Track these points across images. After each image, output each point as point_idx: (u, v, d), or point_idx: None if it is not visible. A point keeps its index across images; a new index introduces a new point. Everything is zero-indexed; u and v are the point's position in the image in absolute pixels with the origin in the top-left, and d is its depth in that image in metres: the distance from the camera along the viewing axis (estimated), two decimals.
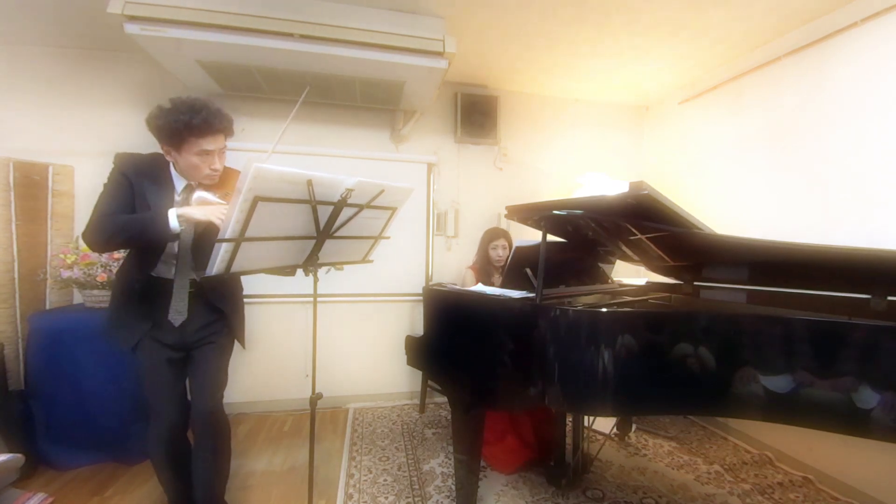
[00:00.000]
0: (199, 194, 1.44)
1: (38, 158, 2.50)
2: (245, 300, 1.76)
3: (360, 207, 1.44)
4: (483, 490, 2.05)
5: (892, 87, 1.96)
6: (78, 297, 2.50)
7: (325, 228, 1.41)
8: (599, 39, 2.56)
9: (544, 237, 1.61)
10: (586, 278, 2.20)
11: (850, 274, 1.50)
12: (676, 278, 2.27)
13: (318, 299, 1.55)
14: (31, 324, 2.18)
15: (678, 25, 2.38)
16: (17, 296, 2.34)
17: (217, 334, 1.61)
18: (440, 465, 2.32)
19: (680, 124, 3.29)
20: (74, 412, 2.12)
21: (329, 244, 1.47)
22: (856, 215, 2.09)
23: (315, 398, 1.51)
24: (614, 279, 2.42)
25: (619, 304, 1.75)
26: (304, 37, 2.14)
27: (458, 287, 2.28)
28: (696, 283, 2.20)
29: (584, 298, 1.87)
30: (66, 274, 2.24)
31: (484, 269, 2.71)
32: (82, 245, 2.33)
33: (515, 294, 1.67)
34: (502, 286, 1.92)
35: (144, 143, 1.60)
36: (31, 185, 2.43)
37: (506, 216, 2.10)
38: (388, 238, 1.69)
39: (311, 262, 1.48)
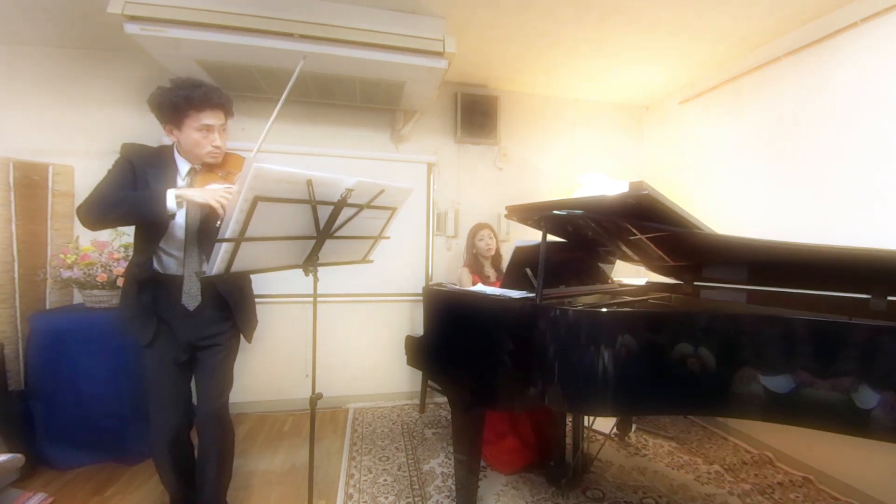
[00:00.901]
0: (209, 187, 1.44)
1: (38, 158, 2.51)
2: (253, 295, 1.76)
3: (360, 207, 1.44)
4: (483, 490, 2.05)
5: (892, 87, 1.96)
6: (78, 297, 2.50)
7: (325, 228, 1.40)
8: (599, 39, 2.57)
9: (544, 237, 1.61)
10: (586, 278, 2.20)
11: (850, 274, 1.50)
12: (676, 278, 2.27)
13: (318, 299, 1.55)
14: (31, 324, 2.18)
15: (678, 25, 2.38)
16: (17, 296, 2.34)
17: (224, 336, 1.61)
18: (440, 465, 2.32)
19: (680, 124, 3.29)
20: (74, 412, 2.12)
21: (329, 244, 1.47)
22: (856, 215, 2.09)
23: (315, 398, 1.51)
24: (614, 279, 2.42)
25: (619, 304, 1.75)
26: (304, 37, 2.14)
27: (457, 287, 2.29)
28: (696, 283, 2.20)
29: (584, 298, 1.87)
30: (66, 274, 2.24)
31: (475, 263, 2.78)
32: (82, 245, 2.33)
33: (515, 294, 1.67)
34: (502, 286, 1.92)
35: (145, 142, 1.60)
36: (31, 185, 2.43)
37: (506, 216, 2.10)
38: (388, 238, 1.69)
39: (311, 262, 1.48)
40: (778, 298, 1.84)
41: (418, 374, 2.94)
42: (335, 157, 3.04)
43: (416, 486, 2.12)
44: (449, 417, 2.48)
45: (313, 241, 1.43)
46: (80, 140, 2.71)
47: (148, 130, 2.57)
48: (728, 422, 2.77)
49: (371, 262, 1.74)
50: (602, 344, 1.38)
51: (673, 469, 2.33)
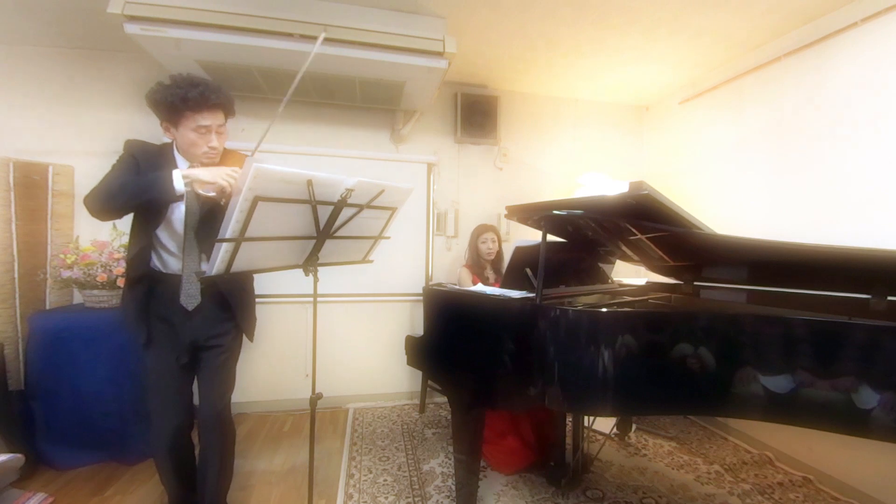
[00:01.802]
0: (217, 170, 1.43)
1: (38, 158, 2.50)
2: (254, 294, 1.76)
3: (360, 207, 1.44)
4: (483, 490, 2.05)
5: (892, 87, 1.96)
6: (78, 297, 2.50)
7: (325, 228, 1.40)
8: (599, 39, 2.57)
9: (544, 237, 1.61)
10: (586, 278, 2.19)
11: (850, 274, 1.50)
12: (676, 278, 2.27)
13: (318, 299, 1.55)
14: (31, 324, 2.18)
15: (678, 25, 2.38)
16: (17, 296, 2.34)
17: (226, 336, 1.60)
18: (440, 465, 2.32)
19: (680, 124, 3.29)
20: (74, 412, 2.12)
21: (329, 244, 1.47)
22: (855, 215, 2.09)
23: (315, 398, 1.51)
24: (614, 279, 2.42)
25: (619, 304, 1.75)
26: (304, 37, 2.14)
27: (458, 287, 2.29)
28: (696, 283, 2.20)
29: (583, 298, 1.87)
30: (66, 274, 2.24)
31: (476, 264, 2.78)
32: (82, 245, 2.34)
33: (515, 294, 1.67)
34: (502, 286, 1.92)
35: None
36: (31, 185, 2.43)
37: (506, 216, 2.11)
38: (388, 238, 1.69)
39: (311, 262, 1.48)
40: (778, 298, 1.84)
41: (418, 374, 2.94)
42: (335, 157, 3.04)
43: (416, 486, 2.12)
44: (449, 417, 2.48)
45: (313, 241, 1.43)
46: (80, 140, 2.71)
47: (148, 131, 2.57)
48: (728, 422, 2.77)
49: (371, 262, 1.74)
50: (602, 344, 1.38)
51: (673, 469, 2.33)
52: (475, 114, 3.26)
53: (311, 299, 1.52)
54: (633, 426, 2.75)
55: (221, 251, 1.18)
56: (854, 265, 1.43)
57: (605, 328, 1.40)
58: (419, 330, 2.21)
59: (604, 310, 1.43)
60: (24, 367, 2.27)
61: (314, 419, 1.52)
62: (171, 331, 1.53)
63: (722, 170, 2.88)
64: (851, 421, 1.19)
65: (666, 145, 3.46)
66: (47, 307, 2.51)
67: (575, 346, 1.42)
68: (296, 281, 2.02)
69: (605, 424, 2.60)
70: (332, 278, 2.53)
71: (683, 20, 2.33)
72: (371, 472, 2.25)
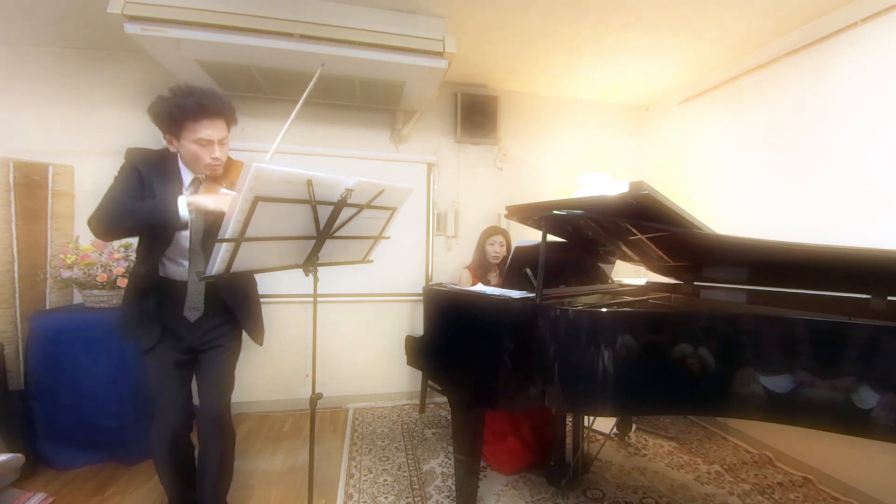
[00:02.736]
0: (221, 191, 1.44)
1: (38, 158, 2.50)
2: (259, 298, 1.76)
3: (360, 207, 1.44)
4: (483, 490, 2.05)
5: (891, 87, 1.96)
6: (78, 297, 2.50)
7: (325, 228, 1.40)
8: (599, 39, 2.56)
9: (544, 237, 1.61)
10: (586, 278, 2.20)
11: (850, 274, 1.50)
12: (676, 278, 2.27)
13: (318, 299, 1.55)
14: (31, 324, 2.18)
15: (678, 25, 2.38)
16: (17, 296, 2.34)
17: (226, 337, 1.61)
18: (440, 465, 2.32)
19: (680, 124, 3.29)
20: (74, 412, 2.12)
21: (329, 244, 1.47)
22: (855, 215, 2.09)
23: (315, 398, 1.51)
24: (614, 279, 2.42)
25: (619, 304, 1.75)
26: (304, 37, 2.14)
27: (458, 287, 2.28)
28: (696, 283, 2.20)
29: (584, 298, 1.87)
30: (66, 274, 2.24)
31: (481, 266, 2.74)
32: (82, 245, 2.33)
33: (515, 294, 1.67)
34: (502, 286, 1.92)
35: (145, 142, 1.60)
36: (31, 185, 2.43)
37: (506, 216, 2.11)
38: (388, 238, 1.69)
39: (311, 262, 1.48)
40: (778, 298, 1.84)
41: (418, 374, 2.95)
42: (335, 157, 3.04)
43: (416, 486, 2.12)
44: (449, 417, 2.48)
45: (313, 241, 1.43)
46: (80, 140, 2.71)
47: (148, 131, 2.56)
48: (728, 422, 2.77)
49: (371, 262, 1.74)
50: (602, 344, 1.38)
51: (673, 469, 2.33)
52: (475, 114, 3.26)
53: (311, 299, 1.52)
54: (633, 426, 2.75)
55: (221, 251, 1.18)
56: (854, 265, 1.43)
57: (605, 328, 1.40)
58: (419, 330, 2.21)
59: (604, 310, 1.43)
60: (24, 367, 2.27)
61: (314, 419, 1.52)
62: (171, 334, 1.53)
63: (722, 170, 2.88)
64: (851, 421, 1.19)
65: (666, 145, 3.46)
66: (47, 307, 2.51)
67: (575, 346, 1.42)
68: (296, 281, 2.02)
69: (605, 424, 2.60)
70: (332, 278, 2.53)
71: (683, 20, 2.33)
72: (371, 472, 2.25)
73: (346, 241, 1.54)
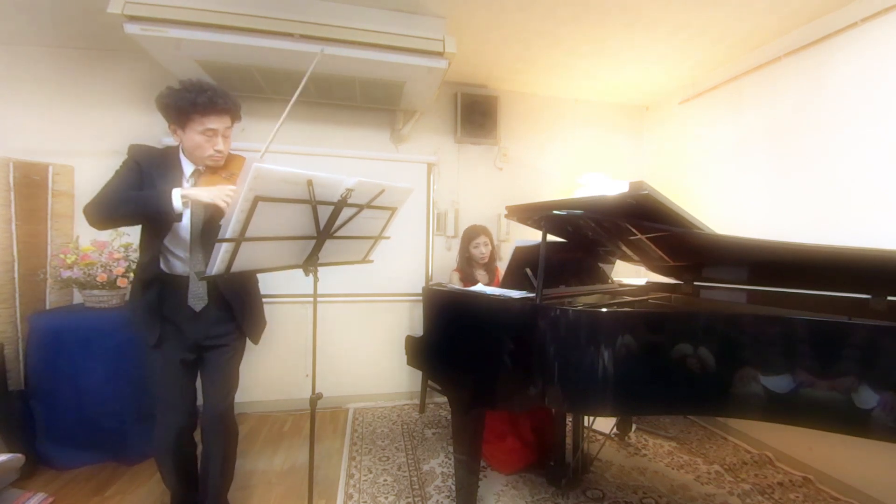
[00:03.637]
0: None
1: (38, 158, 2.50)
2: (261, 298, 1.76)
3: (360, 207, 1.44)
4: (483, 490, 2.05)
5: (891, 87, 1.96)
6: (78, 297, 2.50)
7: (325, 228, 1.40)
8: (599, 39, 2.57)
9: (544, 237, 1.61)
10: (586, 278, 2.20)
11: (850, 274, 1.50)
12: (676, 278, 2.27)
13: (318, 299, 1.55)
14: (31, 324, 2.18)
15: (678, 25, 2.38)
16: (17, 296, 2.34)
17: (230, 336, 1.61)
18: (440, 465, 2.32)
19: (680, 124, 3.29)
20: (74, 412, 2.12)
21: (329, 244, 1.47)
22: (855, 215, 2.09)
23: (315, 398, 1.51)
24: (614, 279, 2.42)
25: (619, 304, 1.75)
26: (304, 37, 2.14)
27: (457, 287, 2.28)
28: (696, 283, 2.20)
29: (584, 298, 1.87)
30: (66, 274, 2.24)
31: (468, 267, 2.68)
32: (82, 245, 2.33)
33: (515, 294, 1.67)
34: (501, 286, 1.92)
35: (145, 142, 1.60)
36: (31, 185, 2.43)
37: (506, 216, 2.11)
38: (388, 238, 1.69)
39: (311, 262, 1.48)
40: (778, 298, 1.84)
41: (418, 374, 2.94)
42: (335, 157, 3.04)
43: (416, 486, 2.12)
44: (449, 417, 2.48)
45: (313, 241, 1.43)
46: (80, 140, 2.71)
47: (148, 130, 2.58)
48: (728, 422, 2.77)
49: (371, 262, 1.74)
50: (602, 344, 1.38)
51: (673, 469, 2.33)
52: (475, 114, 3.26)
53: (311, 299, 1.52)
54: (633, 426, 2.75)
55: (221, 251, 1.18)
56: (854, 265, 1.43)
57: (605, 328, 1.40)
58: (419, 330, 2.20)
59: (604, 310, 1.43)
60: (24, 367, 2.27)
61: (314, 419, 1.52)
62: (176, 331, 1.54)
63: (722, 170, 2.88)
64: (851, 421, 1.19)
65: (666, 145, 3.46)
66: (47, 307, 2.51)
67: (575, 346, 1.42)
68: (296, 281, 2.02)
69: (605, 424, 2.60)
70: (332, 278, 2.53)
71: (683, 20, 2.33)
72: (371, 472, 2.25)
73: (346, 241, 1.54)
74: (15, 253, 2.32)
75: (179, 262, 1.52)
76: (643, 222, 1.60)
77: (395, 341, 3.07)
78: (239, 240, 1.19)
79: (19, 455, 1.62)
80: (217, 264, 1.20)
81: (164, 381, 1.54)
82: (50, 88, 2.69)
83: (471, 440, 1.73)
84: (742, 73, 2.68)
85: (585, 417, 2.17)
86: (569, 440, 2.22)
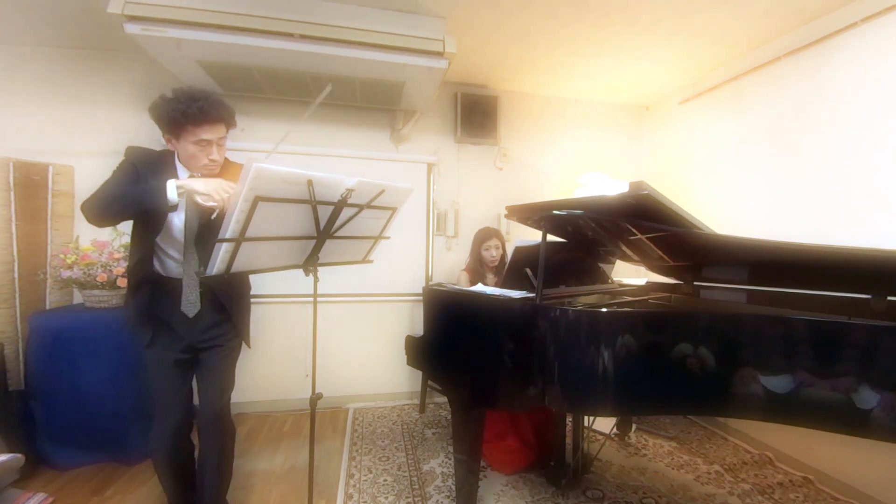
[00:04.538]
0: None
1: (38, 158, 2.50)
2: (250, 300, 1.76)
3: (361, 207, 1.44)
4: (483, 490, 2.05)
5: (892, 88, 1.96)
6: (78, 297, 2.50)
7: (325, 228, 1.40)
8: (599, 39, 2.56)
9: (544, 237, 1.61)
10: (586, 278, 2.20)
11: (850, 274, 1.50)
12: (676, 278, 2.27)
13: (318, 299, 1.55)
14: (31, 324, 2.18)
15: (678, 25, 2.38)
16: (17, 296, 2.34)
17: (225, 336, 1.61)
18: (440, 465, 2.32)
19: (680, 124, 3.29)
20: (74, 412, 2.12)
21: (329, 244, 1.47)
22: (856, 215, 2.09)
23: (315, 398, 1.51)
24: (614, 279, 2.42)
25: (619, 304, 1.75)
26: (304, 37, 2.14)
27: (458, 287, 2.28)
28: (696, 283, 2.20)
29: (584, 298, 1.87)
30: (66, 274, 2.24)
31: (477, 269, 2.69)
32: (82, 245, 2.33)
33: (515, 294, 1.67)
34: (502, 286, 1.92)
35: (144, 142, 1.62)
36: (31, 185, 2.43)
37: (506, 216, 2.11)
38: (388, 238, 1.69)
39: (311, 262, 1.48)
40: (778, 298, 1.84)
41: (418, 374, 2.95)
42: (335, 157, 3.04)
43: (416, 486, 2.12)
44: (449, 417, 2.48)
45: (313, 242, 1.43)
46: (80, 140, 2.71)
47: (148, 131, 2.56)
48: (728, 422, 2.77)
49: (371, 262, 1.74)
50: (602, 344, 1.38)
51: (673, 469, 2.33)
52: (475, 114, 3.26)
53: (311, 299, 1.52)
54: (633, 426, 2.75)
55: (221, 251, 1.18)
56: (854, 265, 1.43)
57: (605, 328, 1.40)
58: (419, 330, 2.21)
59: (604, 310, 1.43)
60: (24, 367, 2.27)
61: (314, 419, 1.52)
62: (170, 331, 1.54)
63: (722, 170, 2.88)
64: (851, 421, 1.19)
65: (666, 145, 3.46)
66: (47, 307, 2.51)
67: (575, 346, 1.42)
68: (296, 281, 2.02)
69: (605, 424, 2.60)
70: (332, 278, 2.53)
71: (683, 20, 2.33)
72: (371, 472, 2.25)
73: (346, 241, 1.54)
74: (15, 253, 2.32)
75: (174, 264, 1.52)
76: (643, 222, 1.60)
77: (395, 341, 3.07)
78: (239, 240, 1.19)
79: (19, 455, 1.63)
80: (217, 264, 1.20)
81: (159, 381, 1.54)
82: (50, 88, 2.69)
83: (471, 440, 1.73)
84: (742, 73, 2.68)
85: (585, 417, 2.17)
86: (569, 440, 2.22)
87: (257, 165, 1.08)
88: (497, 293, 1.74)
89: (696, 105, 3.12)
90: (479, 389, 1.69)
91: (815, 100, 2.29)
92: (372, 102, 2.95)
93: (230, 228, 1.15)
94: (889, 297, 1.47)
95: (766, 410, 1.31)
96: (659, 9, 2.22)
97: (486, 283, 2.63)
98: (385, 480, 2.17)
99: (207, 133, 1.43)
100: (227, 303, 1.59)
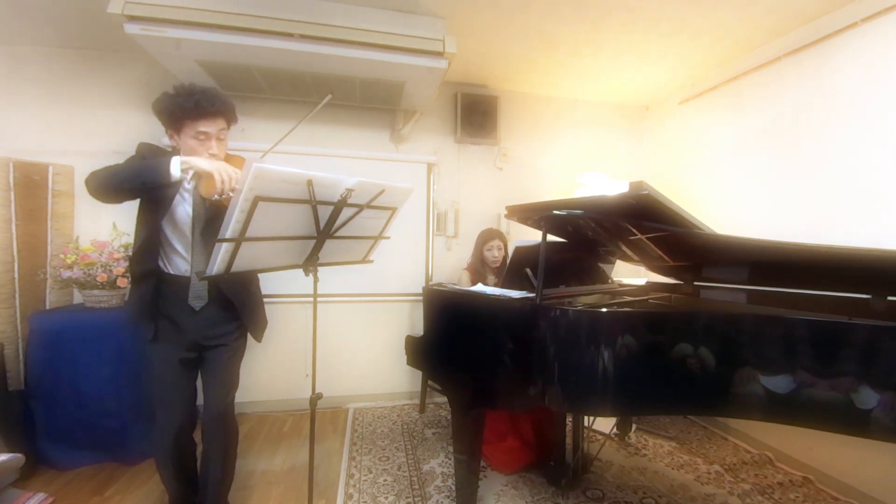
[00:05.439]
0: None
1: (38, 158, 2.50)
2: (261, 295, 1.77)
3: (361, 207, 1.44)
4: (483, 490, 2.05)
5: (892, 88, 1.96)
6: (78, 297, 2.50)
7: (325, 228, 1.40)
8: (599, 39, 2.56)
9: (544, 237, 1.61)
10: (586, 278, 2.19)
11: (850, 274, 1.50)
12: (676, 278, 2.27)
13: (318, 299, 1.55)
14: (31, 324, 2.18)
15: (678, 25, 2.38)
16: (17, 296, 2.34)
17: (231, 336, 1.62)
18: (440, 465, 2.32)
19: (680, 124, 3.29)
20: (74, 412, 2.12)
21: (329, 244, 1.47)
22: (856, 215, 2.09)
23: (315, 398, 1.51)
24: (614, 279, 2.42)
25: (619, 304, 1.75)
26: (304, 37, 2.14)
27: (458, 287, 2.28)
28: (696, 283, 2.20)
29: (584, 298, 1.87)
30: (66, 274, 2.24)
31: (479, 270, 2.71)
32: (82, 245, 2.34)
33: (515, 294, 1.67)
34: (502, 286, 1.91)
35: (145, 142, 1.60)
36: (31, 185, 2.43)
37: (506, 216, 2.10)
38: (388, 238, 1.69)
39: (311, 262, 1.48)
40: (778, 298, 1.84)
41: (418, 374, 2.94)
42: (335, 157, 3.04)
43: (416, 486, 2.12)
44: (449, 417, 2.48)
45: (313, 241, 1.43)
46: (80, 140, 2.71)
47: (148, 130, 2.58)
48: (728, 422, 2.77)
49: (371, 262, 1.74)
50: (602, 344, 1.38)
51: (673, 469, 2.33)
52: (475, 114, 3.26)
53: (311, 299, 1.52)
54: (633, 426, 2.75)
55: (221, 251, 1.18)
56: (854, 265, 1.43)
57: (605, 328, 1.40)
58: (419, 330, 2.20)
59: (604, 310, 1.43)
60: (24, 367, 2.27)
61: (314, 419, 1.52)
62: (176, 329, 1.54)
63: (722, 170, 2.88)
64: (851, 421, 1.19)
65: (666, 145, 3.46)
66: (47, 307, 2.51)
67: (575, 346, 1.42)
68: (296, 281, 2.02)
69: (605, 424, 2.60)
70: (332, 278, 2.53)
71: (683, 20, 2.33)
72: (371, 472, 2.25)
73: (346, 241, 1.54)
74: (15, 253, 2.32)
75: (180, 260, 1.52)
76: (643, 222, 1.60)
77: (395, 341, 3.07)
78: (239, 240, 1.19)
79: (19, 455, 1.62)
80: (217, 264, 1.20)
81: (163, 381, 1.55)
82: (50, 88, 2.69)
83: (471, 440, 1.74)
84: (742, 74, 2.68)
85: (585, 417, 2.17)
86: (569, 440, 2.22)
87: (257, 165, 1.08)
88: (497, 293, 1.74)
89: (696, 105, 3.12)
90: (479, 389, 1.69)
91: (814, 100, 2.29)
92: (372, 102, 2.95)
93: (230, 228, 1.15)
94: (889, 297, 1.47)
95: (767, 410, 1.31)
96: (659, 9, 2.22)
97: (486, 284, 2.64)
98: (385, 480, 2.17)
99: (206, 126, 1.45)
100: (235, 298, 1.59)
